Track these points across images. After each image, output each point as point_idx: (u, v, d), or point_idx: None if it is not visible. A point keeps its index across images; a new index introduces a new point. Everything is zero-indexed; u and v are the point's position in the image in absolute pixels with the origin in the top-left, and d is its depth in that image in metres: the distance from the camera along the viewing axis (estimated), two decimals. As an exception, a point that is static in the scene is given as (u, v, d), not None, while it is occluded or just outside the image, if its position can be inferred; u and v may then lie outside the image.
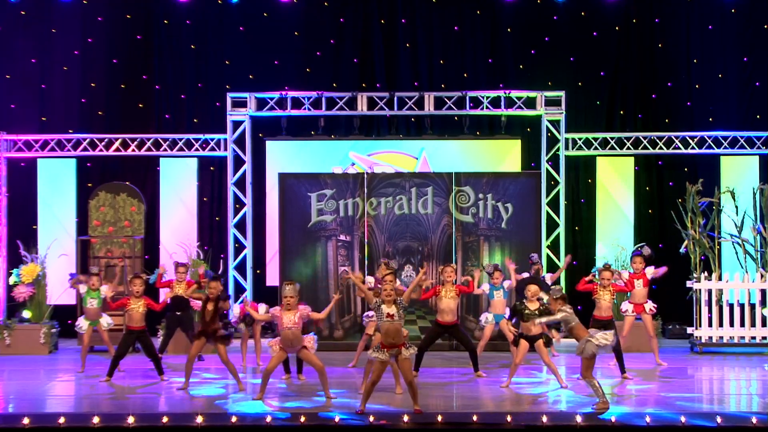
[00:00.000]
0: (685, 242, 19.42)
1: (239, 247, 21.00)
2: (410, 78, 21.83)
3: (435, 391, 14.96)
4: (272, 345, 14.24)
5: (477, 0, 21.82)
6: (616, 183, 20.89)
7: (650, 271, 17.58)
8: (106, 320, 17.38)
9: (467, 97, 20.75)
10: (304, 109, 20.86)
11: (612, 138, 20.99)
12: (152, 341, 16.10)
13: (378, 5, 21.82)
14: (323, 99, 20.82)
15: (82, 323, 17.30)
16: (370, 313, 16.50)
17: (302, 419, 12.68)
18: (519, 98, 20.77)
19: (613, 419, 12.58)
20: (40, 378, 16.45)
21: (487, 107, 20.84)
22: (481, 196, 19.26)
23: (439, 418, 12.69)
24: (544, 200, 20.38)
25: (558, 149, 20.82)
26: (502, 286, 17.28)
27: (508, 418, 12.63)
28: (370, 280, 17.28)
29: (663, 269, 17.74)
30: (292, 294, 14.06)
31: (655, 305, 17.66)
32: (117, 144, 20.92)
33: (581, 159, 21.30)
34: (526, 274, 17.77)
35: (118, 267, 19.92)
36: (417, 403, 13.18)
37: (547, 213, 20.59)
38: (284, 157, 20.99)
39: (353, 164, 20.84)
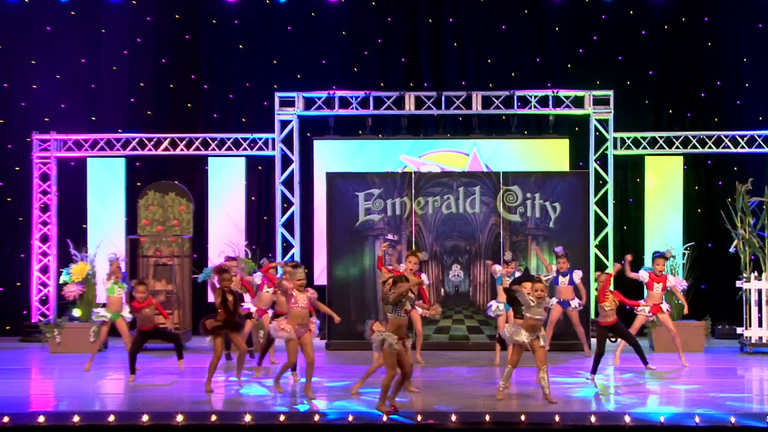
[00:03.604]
0: (735, 242, 19.27)
1: (287, 246, 21.08)
2: (457, 77, 21.80)
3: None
4: (282, 326, 14.29)
5: (524, -1, 21.83)
6: (665, 182, 20.77)
7: (672, 280, 17.32)
8: (126, 312, 17.33)
9: (515, 96, 20.73)
10: (352, 108, 20.91)
11: (660, 137, 20.90)
12: (164, 329, 16.88)
13: (425, 4, 21.82)
14: (371, 98, 20.87)
15: (104, 312, 17.29)
16: None
17: (350, 419, 12.69)
18: (567, 97, 20.73)
19: (662, 419, 12.50)
20: (89, 376, 16.55)
21: (534, 106, 20.82)
22: (528, 195, 19.17)
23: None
24: (592, 199, 20.32)
25: (606, 148, 20.77)
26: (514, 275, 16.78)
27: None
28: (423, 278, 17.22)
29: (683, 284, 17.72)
30: (303, 277, 14.37)
31: (668, 306, 17.38)
32: (166, 143, 21.07)
33: (629, 158, 21.20)
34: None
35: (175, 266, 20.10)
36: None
37: (595, 212, 20.53)
38: (332, 156, 21.03)
39: (405, 167, 20.79)
